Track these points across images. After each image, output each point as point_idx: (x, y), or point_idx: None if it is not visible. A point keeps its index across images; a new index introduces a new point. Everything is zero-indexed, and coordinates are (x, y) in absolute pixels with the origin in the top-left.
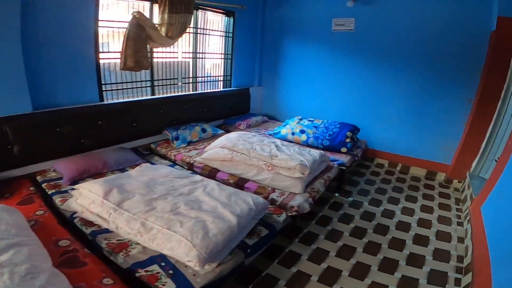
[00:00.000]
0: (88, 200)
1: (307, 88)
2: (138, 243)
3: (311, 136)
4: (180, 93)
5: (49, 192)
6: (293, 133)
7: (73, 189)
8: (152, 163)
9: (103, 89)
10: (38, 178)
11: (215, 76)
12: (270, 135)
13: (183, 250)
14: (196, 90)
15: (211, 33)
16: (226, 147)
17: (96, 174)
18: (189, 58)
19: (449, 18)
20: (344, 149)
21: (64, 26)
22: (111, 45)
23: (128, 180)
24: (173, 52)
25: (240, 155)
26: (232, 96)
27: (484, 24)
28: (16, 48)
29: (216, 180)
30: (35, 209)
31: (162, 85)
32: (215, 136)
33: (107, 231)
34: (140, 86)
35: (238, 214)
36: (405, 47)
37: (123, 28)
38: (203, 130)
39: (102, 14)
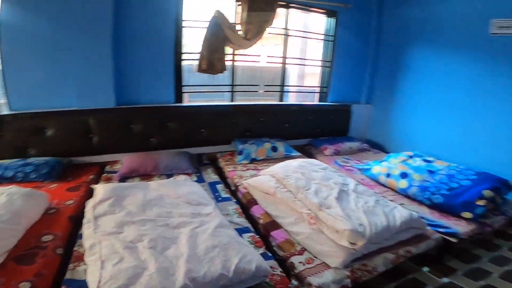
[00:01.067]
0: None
1: (437, 113)
2: None
3: (417, 184)
4: (257, 102)
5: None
6: (388, 175)
7: None
8: (200, 176)
9: (183, 90)
10: (107, 168)
11: (309, 87)
12: (359, 169)
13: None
14: (282, 101)
15: (307, 36)
16: (276, 176)
17: (144, 175)
18: (277, 63)
19: None
20: (468, 215)
21: (149, 27)
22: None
23: (136, 192)
24: (257, 56)
25: (285, 193)
26: (325, 112)
27: None
28: (107, 48)
29: (251, 215)
30: (71, 197)
31: (242, 91)
32: (287, 158)
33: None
34: (217, 90)
35: (194, 278)
36: None
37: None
38: (274, 149)
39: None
